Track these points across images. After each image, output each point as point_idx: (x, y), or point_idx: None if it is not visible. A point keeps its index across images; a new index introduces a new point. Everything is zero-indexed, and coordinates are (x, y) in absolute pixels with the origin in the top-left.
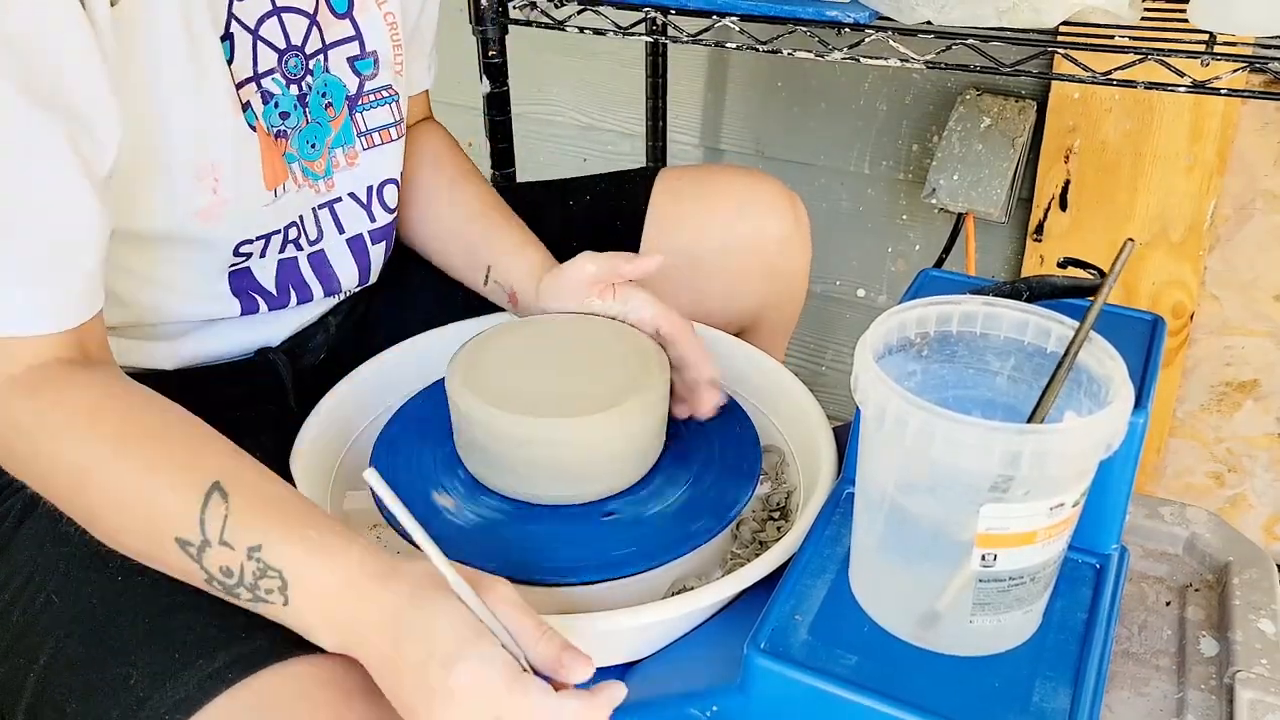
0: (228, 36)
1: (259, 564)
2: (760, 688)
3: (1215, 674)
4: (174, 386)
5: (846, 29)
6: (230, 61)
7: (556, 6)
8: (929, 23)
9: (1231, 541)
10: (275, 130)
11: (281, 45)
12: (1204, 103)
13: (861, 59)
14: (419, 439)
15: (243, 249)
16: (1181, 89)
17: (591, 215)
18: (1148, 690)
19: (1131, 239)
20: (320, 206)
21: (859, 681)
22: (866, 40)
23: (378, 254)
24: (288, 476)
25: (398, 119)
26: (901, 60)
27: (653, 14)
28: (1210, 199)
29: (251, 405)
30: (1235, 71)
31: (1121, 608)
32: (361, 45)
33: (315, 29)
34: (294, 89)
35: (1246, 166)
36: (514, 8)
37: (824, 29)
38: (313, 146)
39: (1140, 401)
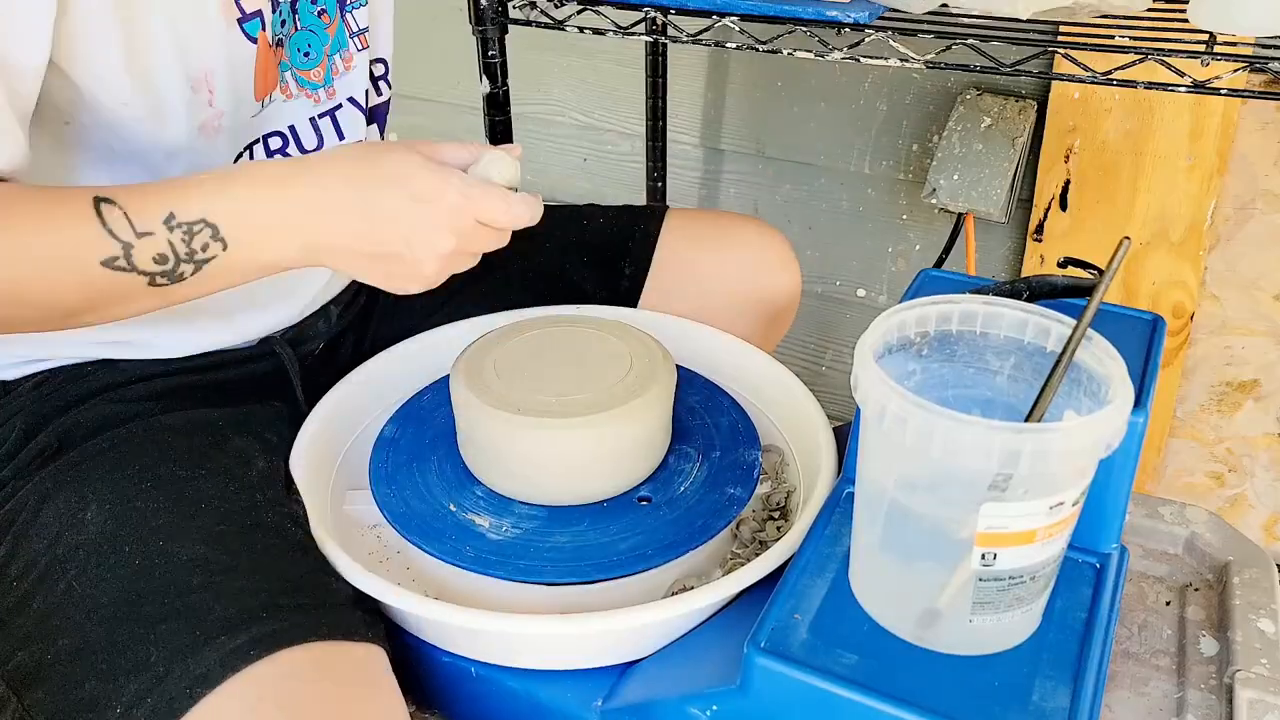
0: None
1: (182, 229)
2: (760, 687)
3: (1215, 674)
4: (179, 377)
5: (846, 29)
6: None
7: (556, 6)
8: (945, 5)
9: (1231, 541)
10: (276, 39)
11: None
12: (1204, 103)
13: (861, 59)
14: (419, 438)
15: (238, 163)
16: (1182, 89)
17: (600, 243)
18: (1147, 690)
19: (1128, 237)
20: (321, 115)
21: (859, 681)
22: (866, 40)
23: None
24: (288, 474)
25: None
26: (901, 60)
27: (652, 14)
28: (1210, 199)
29: (257, 398)
30: (1235, 71)
31: (1121, 607)
32: None
33: None
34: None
35: (1247, 166)
36: (514, 7)
37: (824, 29)
38: (306, 55)
39: (1140, 401)
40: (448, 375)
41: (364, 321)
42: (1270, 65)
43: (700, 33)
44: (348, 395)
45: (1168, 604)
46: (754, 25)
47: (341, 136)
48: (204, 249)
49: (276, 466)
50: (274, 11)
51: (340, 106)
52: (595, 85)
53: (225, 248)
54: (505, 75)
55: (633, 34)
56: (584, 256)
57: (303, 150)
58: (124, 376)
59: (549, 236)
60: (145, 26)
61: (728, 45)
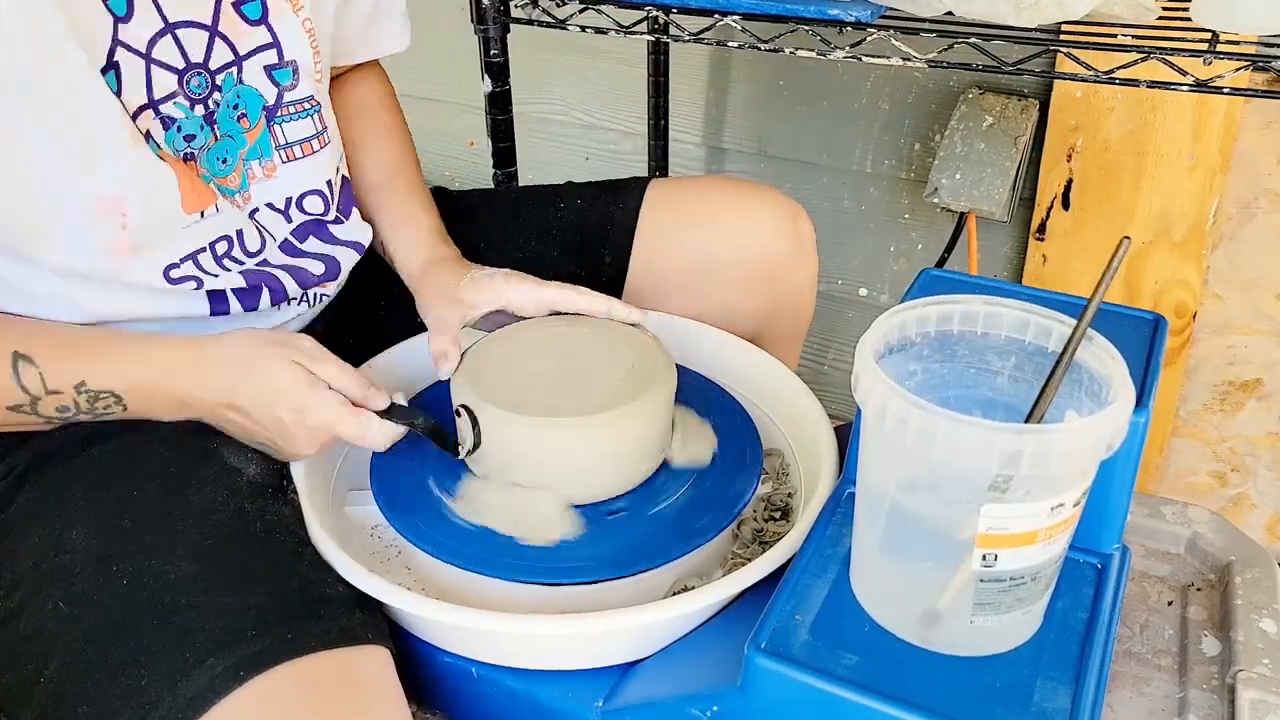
0: (111, 67)
1: (89, 394)
2: (761, 687)
3: (1217, 673)
4: None
5: (849, 27)
6: (119, 93)
7: (558, 5)
8: (950, 13)
9: (1233, 541)
10: (183, 154)
11: (180, 65)
12: (1207, 101)
13: (864, 58)
14: (420, 438)
15: (172, 274)
16: (1184, 88)
17: (580, 221)
18: (1149, 690)
19: (1128, 237)
20: (250, 215)
21: (860, 681)
22: (869, 39)
23: (315, 247)
24: (289, 477)
25: (320, 129)
26: (904, 59)
27: (654, 13)
28: (1213, 198)
29: None
30: (1238, 70)
31: (1123, 607)
32: (280, 53)
33: (220, 41)
34: (199, 109)
35: (1249, 165)
36: (516, 7)
37: (826, 27)
38: (224, 162)
39: (1141, 401)
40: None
41: (362, 321)
42: (1273, 64)
43: (702, 32)
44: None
45: (1170, 604)
46: (756, 24)
47: (272, 237)
48: (105, 409)
49: (270, 472)
50: (166, 129)
51: (257, 210)
52: (597, 84)
53: (125, 409)
54: (507, 74)
55: (635, 33)
56: (564, 245)
57: (245, 250)
58: None
59: (525, 225)
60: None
61: (730, 44)
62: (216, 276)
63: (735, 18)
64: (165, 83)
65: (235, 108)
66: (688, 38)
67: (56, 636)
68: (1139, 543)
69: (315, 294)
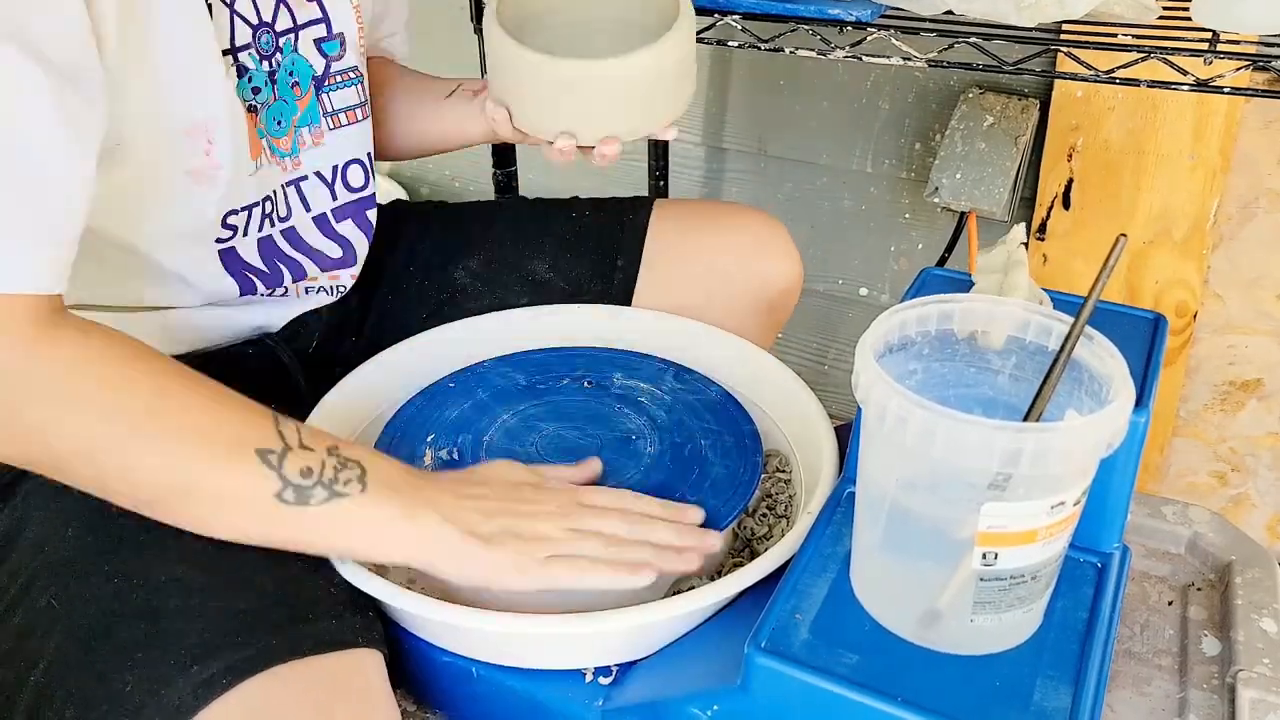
0: (207, 6)
1: (339, 459)
2: (761, 687)
3: (1217, 673)
4: None
5: (849, 27)
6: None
7: None
8: (950, 12)
9: (1234, 541)
10: (248, 105)
11: (254, 20)
12: (1207, 101)
13: (864, 57)
14: (420, 438)
15: (230, 220)
16: (1185, 87)
17: (593, 229)
18: (1149, 689)
19: (1124, 235)
20: (288, 184)
21: (860, 680)
22: (869, 38)
23: (348, 230)
24: None
25: (363, 100)
26: (904, 58)
27: None
28: (1214, 197)
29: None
30: (1238, 70)
31: (1123, 607)
32: (329, 27)
33: (284, 8)
34: (265, 65)
35: (1250, 165)
36: None
37: (826, 27)
38: (279, 124)
39: (1141, 400)
40: (447, 376)
41: (362, 321)
42: (1273, 64)
43: (702, 31)
44: (348, 396)
45: (1170, 604)
46: (756, 23)
47: (308, 209)
48: (345, 483)
49: None
50: (240, 77)
51: (305, 178)
52: None
53: (364, 490)
54: None
55: None
56: (575, 252)
57: (280, 218)
58: None
59: (537, 234)
60: (154, 75)
61: (730, 43)
62: (247, 236)
63: (735, 17)
64: (243, 33)
65: (291, 74)
66: None
67: (48, 635)
68: (1139, 543)
69: (333, 285)
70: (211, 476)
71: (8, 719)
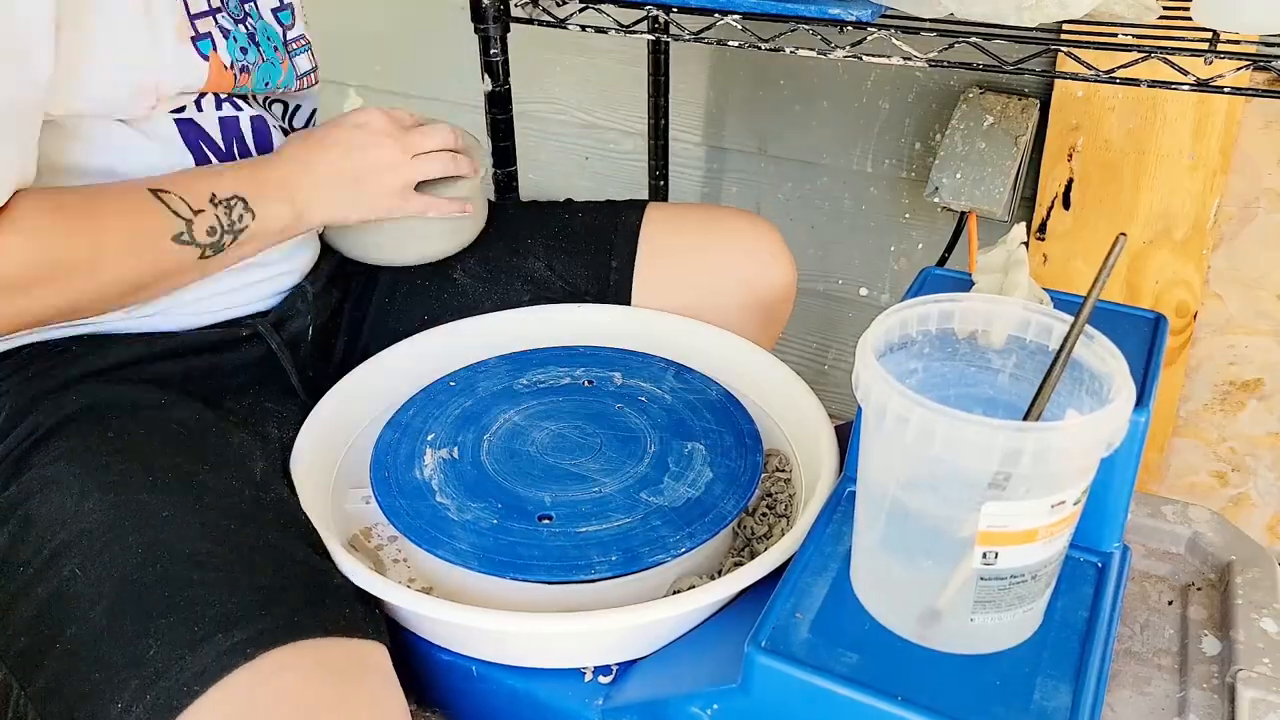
0: None
1: (224, 205)
2: (761, 686)
3: (1217, 673)
4: (169, 361)
5: (849, 27)
6: None
7: (558, 5)
8: (951, 14)
9: (1234, 541)
10: (239, 65)
11: None
12: (1207, 101)
13: (864, 57)
14: (419, 438)
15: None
16: (1185, 87)
17: (586, 230)
18: (1149, 689)
19: (1123, 234)
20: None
21: (860, 679)
22: (869, 38)
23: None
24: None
25: (314, 65)
26: (904, 58)
27: (654, 12)
28: (1214, 197)
29: (254, 385)
30: (1239, 70)
31: (1123, 607)
32: None
33: None
34: (242, 28)
35: (1250, 165)
36: (515, 6)
37: (826, 26)
38: (266, 85)
39: (1141, 400)
40: (447, 376)
41: (358, 319)
42: (1274, 64)
43: (702, 31)
44: (348, 396)
45: (1170, 603)
46: (756, 23)
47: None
48: (239, 219)
49: (277, 463)
50: (225, 37)
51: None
52: (597, 84)
53: (254, 217)
54: (507, 73)
55: (634, 32)
56: (571, 253)
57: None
58: (112, 359)
59: (532, 235)
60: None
61: (730, 43)
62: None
63: (735, 17)
64: None
65: (269, 39)
66: (688, 37)
67: (72, 604)
68: (1139, 542)
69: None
70: (148, 270)
71: (34, 684)
